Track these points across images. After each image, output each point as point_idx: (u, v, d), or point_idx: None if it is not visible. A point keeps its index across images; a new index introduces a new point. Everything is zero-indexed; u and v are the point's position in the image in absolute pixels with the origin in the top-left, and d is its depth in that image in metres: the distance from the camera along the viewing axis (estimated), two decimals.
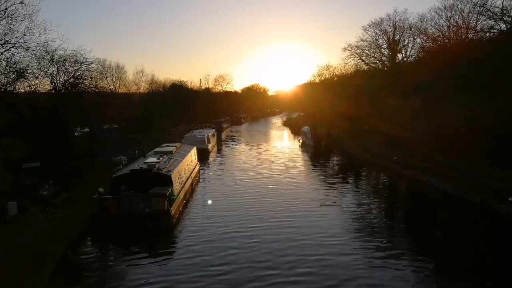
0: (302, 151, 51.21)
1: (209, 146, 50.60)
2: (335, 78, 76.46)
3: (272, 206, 24.04)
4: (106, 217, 19.61)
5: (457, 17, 43.46)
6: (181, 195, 24.54)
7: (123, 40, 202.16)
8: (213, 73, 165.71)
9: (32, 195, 22.68)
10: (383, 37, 55.63)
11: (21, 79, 27.32)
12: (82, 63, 31.17)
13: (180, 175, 25.77)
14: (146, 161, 25.50)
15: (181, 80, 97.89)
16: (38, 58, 28.10)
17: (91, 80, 33.06)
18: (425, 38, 49.13)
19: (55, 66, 30.10)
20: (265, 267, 15.11)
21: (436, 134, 33.73)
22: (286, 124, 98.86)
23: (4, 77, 26.34)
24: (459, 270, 15.06)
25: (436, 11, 45.87)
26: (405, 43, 54.76)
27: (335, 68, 79.19)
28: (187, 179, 28.11)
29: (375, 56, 57.27)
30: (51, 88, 30.45)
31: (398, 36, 54.48)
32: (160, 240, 18.74)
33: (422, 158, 33.81)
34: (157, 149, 31.73)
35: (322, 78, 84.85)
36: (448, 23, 44.68)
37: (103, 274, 15.31)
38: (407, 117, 37.70)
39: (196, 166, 34.88)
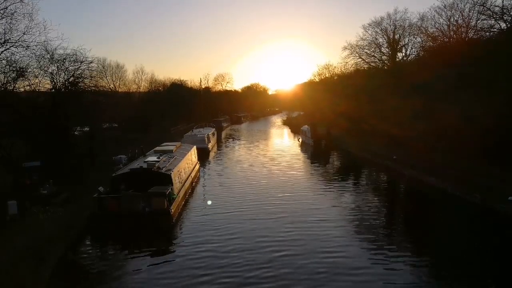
0: (302, 150, 51.22)
1: (209, 145, 50.61)
2: (335, 77, 76.44)
3: (272, 205, 24.07)
4: (106, 216, 19.64)
5: (457, 16, 43.56)
6: (181, 194, 24.55)
7: (123, 39, 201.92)
8: (213, 72, 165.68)
9: (32, 194, 22.70)
10: (383, 36, 55.76)
11: (21, 78, 27.30)
12: (82, 62, 31.15)
13: (180, 174, 25.77)
14: (146, 160, 25.52)
15: (181, 79, 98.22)
16: (38, 57, 28.09)
17: (91, 79, 33.05)
18: (425, 37, 49.21)
19: (55, 65, 30.09)
20: (266, 268, 15.10)
21: (436, 133, 33.68)
22: (286, 123, 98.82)
23: (4, 76, 26.34)
24: (459, 270, 15.06)
25: (436, 10, 46.00)
26: (405, 42, 54.91)
27: (335, 67, 79.32)
28: (187, 178, 28.11)
29: (375, 55, 57.39)
30: (51, 87, 30.43)
31: (398, 35, 54.59)
32: (160, 239, 18.76)
33: (422, 158, 33.78)
34: (157, 148, 31.71)
35: (322, 77, 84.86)
36: (448, 22, 44.75)
37: (103, 273, 15.32)
38: (407, 117, 37.61)
39: (196, 165, 34.87)
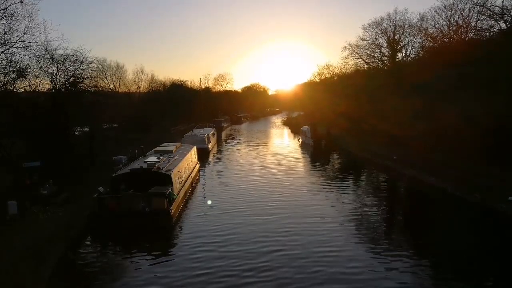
0: (302, 150, 51.22)
1: (209, 146, 50.60)
2: (335, 78, 76.40)
3: (271, 204, 24.10)
4: (106, 216, 19.64)
5: (457, 16, 43.60)
6: (181, 194, 24.57)
7: (123, 39, 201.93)
8: (213, 73, 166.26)
9: (32, 194, 22.69)
10: (383, 36, 55.72)
11: (21, 79, 27.38)
12: (82, 62, 31.22)
13: (180, 174, 25.78)
14: (146, 160, 25.52)
15: (181, 79, 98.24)
16: (38, 57, 28.15)
17: (91, 80, 33.12)
18: (425, 37, 49.22)
19: (55, 65, 30.14)
20: (264, 265, 15.16)
21: (436, 133, 33.70)
22: (286, 123, 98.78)
23: (4, 77, 26.39)
24: (458, 269, 15.08)
25: (436, 11, 46.03)
26: (405, 42, 54.89)
27: (335, 67, 79.24)
28: (187, 179, 28.11)
29: (375, 55, 57.35)
30: (51, 87, 30.47)
31: (398, 35, 54.55)
32: (160, 239, 18.77)
33: (422, 158, 33.79)
34: (157, 148, 31.73)
35: (322, 78, 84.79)
36: (448, 23, 44.80)
37: (103, 273, 15.35)
38: (407, 117, 37.65)
39: (196, 165, 34.88)
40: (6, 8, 24.12)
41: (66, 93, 31.02)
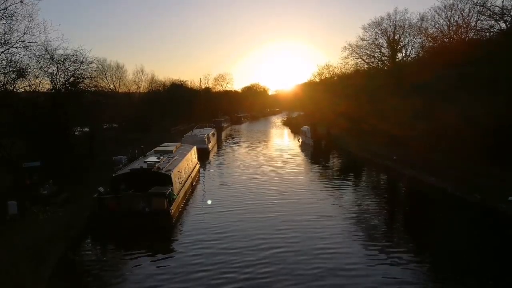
0: (302, 151, 51.22)
1: (209, 146, 50.59)
2: (335, 78, 76.46)
3: (271, 204, 24.13)
4: (106, 216, 19.64)
5: (457, 16, 43.67)
6: (181, 195, 24.56)
7: (123, 39, 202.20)
8: (213, 73, 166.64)
9: (32, 194, 22.69)
10: (383, 36, 55.81)
11: (21, 79, 27.35)
12: (82, 62, 31.21)
13: (180, 174, 25.78)
14: (146, 160, 25.51)
15: (181, 79, 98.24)
16: (38, 57, 28.16)
17: (91, 80, 33.10)
18: (425, 37, 49.28)
19: (55, 65, 30.13)
20: (263, 264, 15.20)
21: (436, 133, 33.71)
22: (286, 123, 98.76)
23: (4, 77, 26.38)
24: (458, 269, 15.07)
25: (436, 11, 46.14)
26: (405, 42, 54.97)
27: (335, 67, 79.33)
28: (187, 179, 28.11)
29: (375, 55, 57.42)
30: (51, 87, 30.45)
31: (398, 35, 54.63)
32: (159, 239, 18.77)
33: (422, 158, 33.78)
34: (157, 148, 31.72)
35: (322, 78, 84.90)
36: (448, 23, 44.87)
37: (103, 273, 15.33)
38: (407, 117, 37.65)
39: (196, 165, 34.87)
40: (6, 8, 24.16)
41: (66, 93, 31.00)
